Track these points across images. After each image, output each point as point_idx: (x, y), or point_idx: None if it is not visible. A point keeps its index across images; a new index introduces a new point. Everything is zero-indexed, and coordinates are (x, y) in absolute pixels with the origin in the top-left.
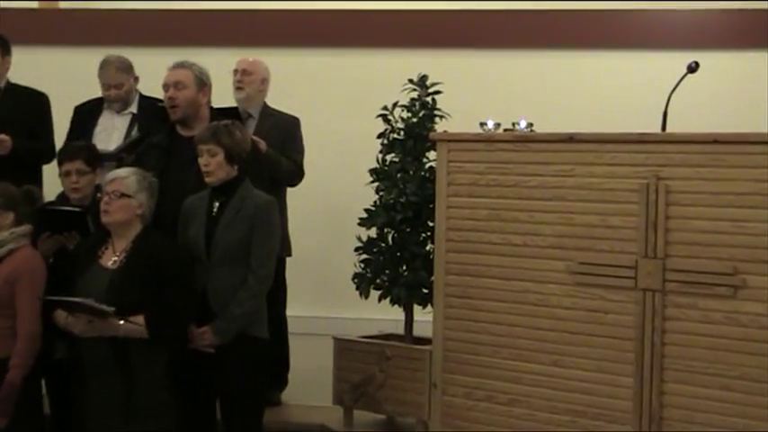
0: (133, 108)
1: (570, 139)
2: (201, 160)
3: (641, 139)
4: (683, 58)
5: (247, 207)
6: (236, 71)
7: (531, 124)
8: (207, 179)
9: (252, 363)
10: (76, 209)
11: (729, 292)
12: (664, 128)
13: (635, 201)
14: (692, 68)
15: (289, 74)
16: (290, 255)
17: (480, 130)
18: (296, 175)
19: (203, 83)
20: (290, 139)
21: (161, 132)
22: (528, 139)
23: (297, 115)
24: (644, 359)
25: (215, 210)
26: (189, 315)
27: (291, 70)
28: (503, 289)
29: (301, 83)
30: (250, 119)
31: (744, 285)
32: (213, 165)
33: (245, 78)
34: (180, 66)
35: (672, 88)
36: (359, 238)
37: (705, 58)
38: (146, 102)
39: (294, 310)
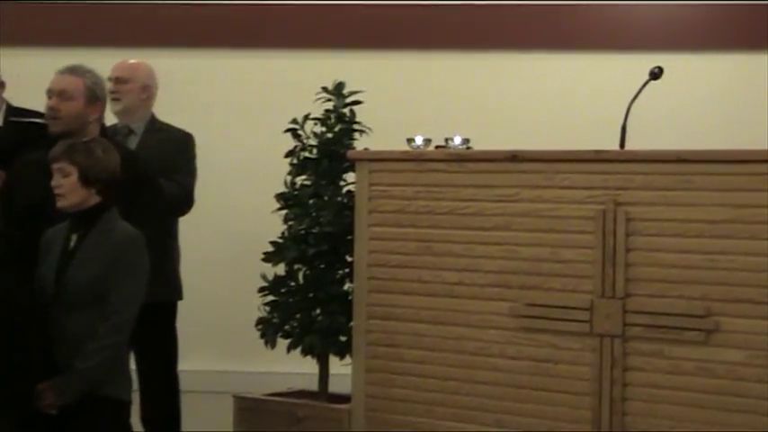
0: None
1: (514, 157)
2: (53, 181)
3: (597, 158)
4: (647, 61)
5: (107, 241)
6: (110, 79)
7: (467, 140)
8: (58, 203)
9: (102, 430)
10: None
11: (701, 338)
12: (623, 144)
13: (590, 230)
14: (656, 74)
15: (179, 79)
16: (180, 298)
17: (408, 148)
18: (182, 202)
19: (95, 96)
20: (180, 158)
21: (42, 148)
22: (464, 158)
23: (190, 130)
24: (602, 417)
25: (72, 243)
26: (33, 372)
27: (183, 75)
28: (435, 336)
29: (194, 90)
30: (132, 135)
31: (717, 329)
32: (65, 187)
33: (121, 87)
34: (70, 72)
35: (632, 98)
36: (264, 277)
37: (672, 61)
38: (14, 114)
39: (187, 363)
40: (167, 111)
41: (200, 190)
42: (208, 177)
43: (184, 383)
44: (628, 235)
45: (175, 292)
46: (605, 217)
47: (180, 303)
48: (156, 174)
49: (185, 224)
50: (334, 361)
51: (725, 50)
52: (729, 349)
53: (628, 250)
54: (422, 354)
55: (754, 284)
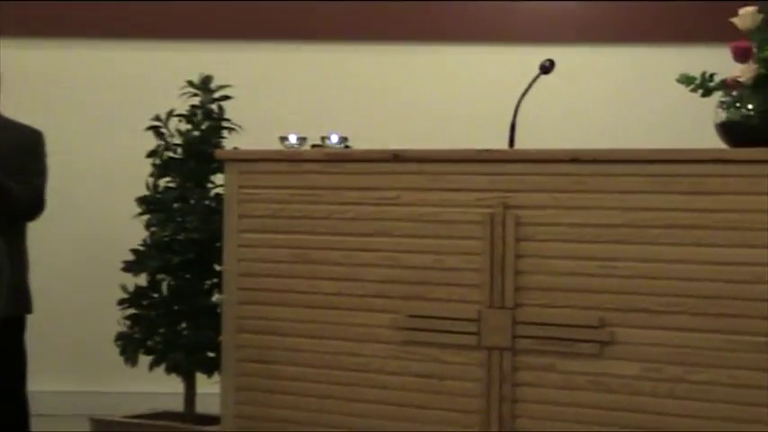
0: None
1: (395, 157)
2: None
3: (485, 158)
4: (538, 54)
5: None
6: None
7: (345, 139)
8: None
9: None
10: None
11: (595, 350)
12: (512, 143)
13: (477, 236)
14: (546, 68)
15: (28, 71)
16: (29, 312)
17: (281, 147)
18: (32, 205)
19: None
20: (29, 157)
21: None
22: (342, 158)
23: (41, 128)
24: None
25: None
26: None
27: (31, 66)
28: (312, 350)
29: (44, 85)
30: None
31: (612, 341)
32: None
33: None
34: None
35: (521, 93)
36: (124, 288)
37: (565, 54)
38: None
39: (39, 383)
40: (14, 107)
41: (52, 192)
42: (61, 178)
43: (35, 405)
44: (518, 240)
45: (24, 305)
46: (493, 221)
47: (30, 317)
48: (2, 174)
49: (35, 230)
50: (201, 379)
51: (622, 43)
52: (624, 362)
53: (518, 257)
54: (297, 370)
55: (651, 293)
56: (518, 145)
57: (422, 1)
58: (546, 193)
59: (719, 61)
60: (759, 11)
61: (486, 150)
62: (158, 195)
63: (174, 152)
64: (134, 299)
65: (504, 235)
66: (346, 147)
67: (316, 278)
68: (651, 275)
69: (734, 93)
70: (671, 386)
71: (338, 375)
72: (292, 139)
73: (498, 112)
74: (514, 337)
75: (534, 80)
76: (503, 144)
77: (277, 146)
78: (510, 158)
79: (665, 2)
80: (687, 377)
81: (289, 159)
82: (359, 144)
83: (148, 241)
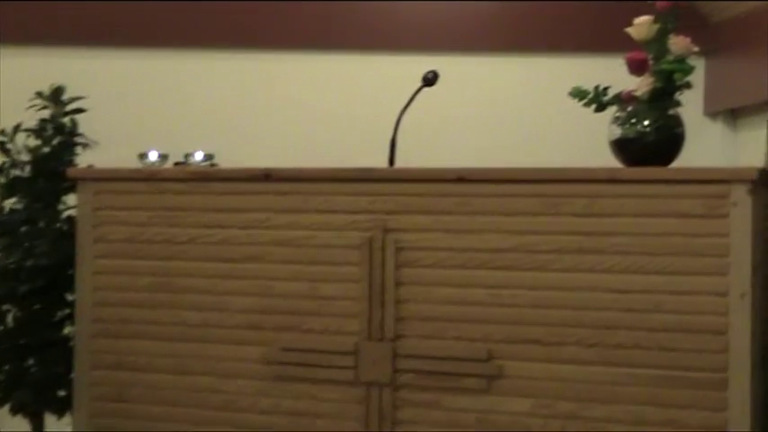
0: None
1: (266, 176)
2: None
3: (362, 177)
4: (421, 63)
5: None
6: None
7: (211, 156)
8: None
9: None
10: None
11: (482, 385)
12: (392, 161)
13: (354, 261)
14: (430, 80)
15: None
16: None
17: (140, 165)
18: None
19: None
20: None
21: None
22: (208, 178)
23: None
24: None
25: None
26: None
27: None
28: (174, 387)
29: None
30: None
31: (501, 375)
32: None
33: None
34: None
35: (403, 107)
36: None
37: (451, 64)
38: None
39: None
40: None
41: None
42: None
43: None
44: (398, 267)
45: None
46: (372, 246)
47: None
48: None
49: None
50: (51, 420)
51: (513, 53)
52: (514, 398)
53: (398, 284)
54: (158, 410)
55: (542, 323)
56: (399, 163)
57: (293, 1)
58: (429, 215)
59: (619, 73)
60: (655, 20)
61: (365, 169)
62: (3, 218)
63: (22, 170)
64: None
65: (383, 260)
66: (212, 165)
67: (178, 308)
68: (542, 304)
69: (629, 108)
70: (563, 423)
71: (203, 415)
72: (152, 156)
73: (378, 127)
74: (395, 371)
75: (416, 93)
76: (382, 162)
77: (136, 163)
78: (390, 178)
79: (561, 3)
80: (581, 413)
81: (148, 178)
82: (226, 162)
83: None
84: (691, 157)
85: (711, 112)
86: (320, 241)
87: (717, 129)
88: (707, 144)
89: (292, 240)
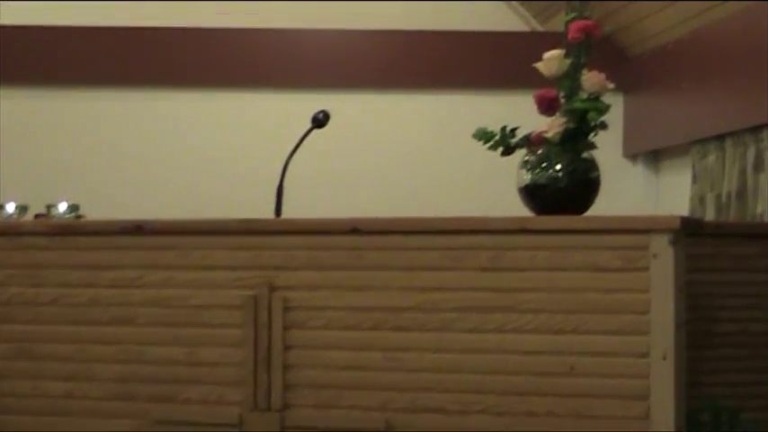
0: None
1: (138, 229)
2: None
3: (246, 229)
4: (311, 102)
5: None
6: None
7: (76, 207)
8: None
9: None
10: None
11: None
12: (279, 211)
13: (237, 323)
14: (320, 121)
15: None
16: None
17: None
18: None
19: None
20: None
21: None
22: (72, 231)
23: None
24: None
25: None
26: None
27: None
28: None
29: None
30: None
31: None
32: None
33: None
34: None
35: (290, 151)
36: None
37: (343, 102)
38: None
39: None
40: None
41: None
42: None
43: None
44: (286, 328)
45: None
46: (257, 305)
47: None
48: None
49: None
50: None
51: (416, 90)
52: None
53: (286, 348)
54: None
55: (446, 389)
56: (287, 213)
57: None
58: (320, 271)
59: (532, 111)
60: (566, 54)
61: (248, 220)
62: None
63: None
64: None
65: (269, 322)
66: (78, 217)
67: (40, 378)
68: (446, 368)
69: (539, 151)
70: None
71: None
72: (10, 208)
73: (264, 174)
74: None
75: (306, 135)
76: (268, 212)
77: None
78: (276, 230)
79: (467, 35)
80: None
81: (6, 233)
82: (93, 213)
83: None
84: (608, 203)
85: (631, 154)
86: (199, 301)
87: (637, 172)
88: (627, 189)
89: (167, 300)
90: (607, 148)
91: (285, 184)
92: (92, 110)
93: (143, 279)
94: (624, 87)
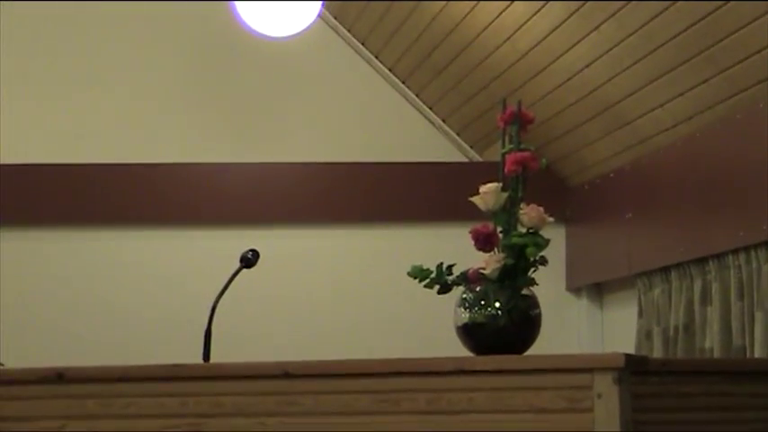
0: None
1: (59, 377)
2: None
3: (172, 375)
4: (240, 239)
5: None
6: None
7: None
8: None
9: None
10: None
11: None
12: (207, 356)
13: None
14: (249, 260)
15: None
16: None
17: None
18: None
19: None
20: None
21: None
22: None
23: None
24: None
25: None
26: None
27: None
28: None
29: None
30: None
31: None
32: None
33: None
34: None
35: (219, 293)
36: None
37: (280, 238)
38: None
39: None
40: None
41: None
42: None
43: None
44: None
45: None
46: None
47: None
48: None
49: None
50: None
51: (339, 223)
52: None
53: None
54: None
55: None
56: (215, 357)
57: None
58: (250, 417)
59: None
60: (503, 188)
61: (174, 366)
62: None
63: None
64: None
65: None
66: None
67: None
68: None
69: (477, 288)
70: None
71: None
72: None
73: (193, 315)
74: None
75: (234, 275)
76: (196, 357)
77: None
78: (204, 375)
79: (401, 167)
80: None
81: None
82: (10, 361)
83: None
84: (551, 341)
85: (575, 288)
86: None
87: (582, 306)
88: (571, 324)
89: None
90: (549, 282)
91: (214, 325)
92: (8, 249)
93: (64, 429)
94: (566, 218)
